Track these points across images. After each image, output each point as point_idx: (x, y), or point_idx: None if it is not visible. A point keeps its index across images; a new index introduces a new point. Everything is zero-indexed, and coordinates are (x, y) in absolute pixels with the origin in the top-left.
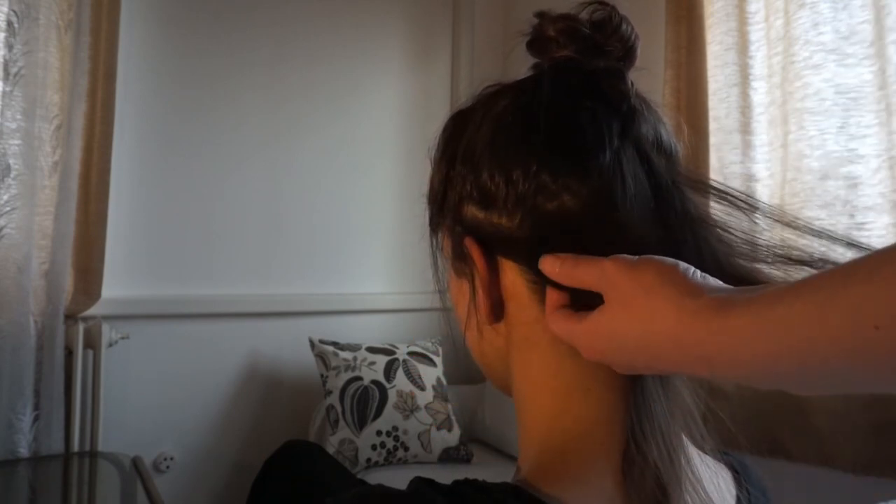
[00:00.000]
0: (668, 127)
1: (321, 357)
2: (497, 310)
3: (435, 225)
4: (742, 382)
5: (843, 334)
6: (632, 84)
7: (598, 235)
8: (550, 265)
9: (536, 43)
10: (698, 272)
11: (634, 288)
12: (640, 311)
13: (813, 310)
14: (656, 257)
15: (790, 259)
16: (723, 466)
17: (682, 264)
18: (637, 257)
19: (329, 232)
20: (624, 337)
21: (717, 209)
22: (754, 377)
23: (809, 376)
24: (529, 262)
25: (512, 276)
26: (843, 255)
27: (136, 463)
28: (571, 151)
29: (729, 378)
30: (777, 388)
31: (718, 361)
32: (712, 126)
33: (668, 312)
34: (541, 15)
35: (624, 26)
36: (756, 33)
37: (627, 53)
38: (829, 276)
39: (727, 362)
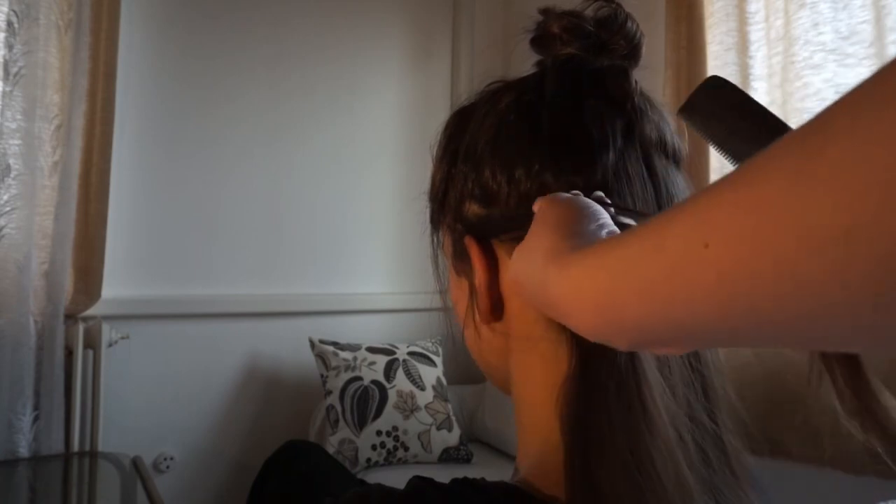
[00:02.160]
0: (672, 127)
1: (321, 357)
2: (497, 309)
3: (436, 222)
4: (596, 336)
5: (677, 261)
6: (636, 82)
7: None
8: (538, 204)
9: (540, 40)
10: (602, 220)
11: (538, 224)
12: (529, 247)
13: (649, 242)
14: (578, 199)
15: None
16: None
17: (594, 212)
18: (570, 194)
19: (329, 232)
20: (519, 271)
21: None
22: (608, 330)
23: (654, 317)
24: None
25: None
26: None
27: (136, 463)
28: (574, 150)
29: (582, 330)
30: (630, 341)
31: (564, 309)
32: None
33: (541, 253)
34: (545, 11)
35: (629, 24)
36: (756, 33)
37: (632, 51)
38: (671, 209)
39: (572, 310)
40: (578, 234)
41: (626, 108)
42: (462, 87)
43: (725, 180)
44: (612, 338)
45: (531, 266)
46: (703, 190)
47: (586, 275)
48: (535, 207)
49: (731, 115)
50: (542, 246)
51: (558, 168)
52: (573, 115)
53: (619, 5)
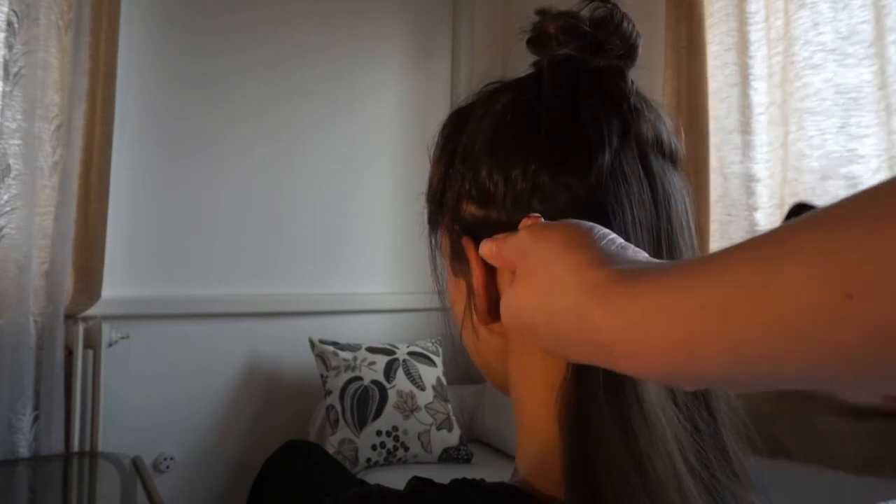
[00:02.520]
0: (669, 126)
1: (321, 357)
2: (494, 309)
3: (434, 223)
4: (659, 381)
5: (795, 310)
6: (632, 83)
7: None
8: (487, 248)
9: (537, 40)
10: (619, 240)
11: (539, 256)
12: (542, 283)
13: (749, 279)
14: (574, 221)
15: None
16: None
17: (599, 229)
18: (555, 222)
19: (329, 232)
20: (531, 314)
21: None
22: (672, 375)
23: (747, 373)
24: None
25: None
26: None
27: (136, 463)
28: (571, 151)
29: (641, 375)
30: (702, 387)
31: (620, 352)
32: (712, 126)
33: (566, 286)
34: (541, 12)
35: (625, 24)
36: (756, 33)
37: (628, 51)
38: (774, 235)
39: (630, 354)
40: (608, 258)
41: (622, 109)
42: (462, 87)
43: (863, 208)
44: (679, 384)
45: (555, 303)
46: (823, 216)
47: (654, 316)
48: (518, 248)
49: None
50: (564, 278)
51: (555, 168)
52: (570, 116)
53: (615, 5)
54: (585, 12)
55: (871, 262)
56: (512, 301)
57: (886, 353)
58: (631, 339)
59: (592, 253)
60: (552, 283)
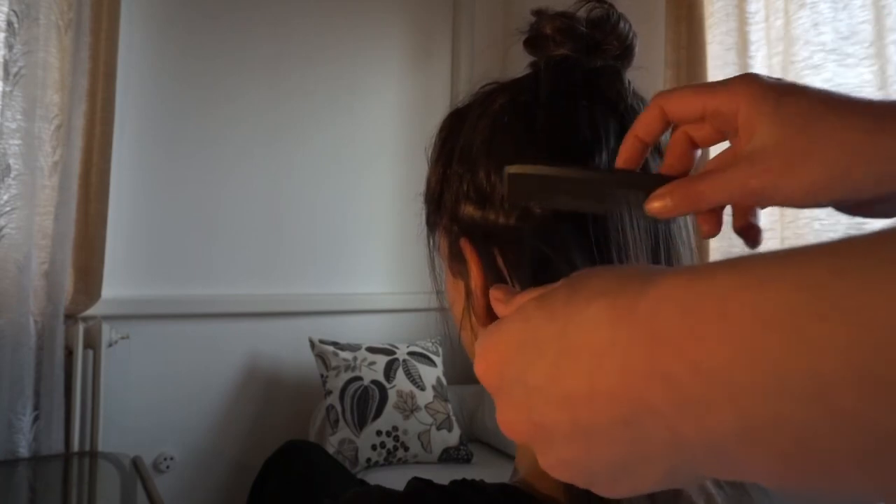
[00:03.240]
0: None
1: (321, 357)
2: (492, 310)
3: (432, 224)
4: (706, 404)
5: None
6: (629, 83)
7: (592, 236)
8: (501, 293)
9: (534, 41)
10: None
11: (571, 282)
12: (571, 302)
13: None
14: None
15: None
16: None
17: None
18: None
19: (329, 232)
20: (536, 339)
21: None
22: (736, 394)
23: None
24: (523, 259)
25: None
26: None
27: (136, 463)
28: (568, 151)
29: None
30: (764, 435)
31: (668, 349)
32: None
33: (605, 289)
34: (538, 13)
35: (622, 24)
36: (756, 33)
37: (625, 52)
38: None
39: (685, 347)
40: (643, 268)
41: (618, 109)
42: (462, 87)
43: None
44: (734, 423)
45: (578, 318)
46: None
47: (739, 289)
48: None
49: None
50: (605, 285)
51: None
52: (566, 116)
53: (611, 6)
54: (582, 13)
55: None
56: (511, 331)
57: None
58: (686, 327)
59: (646, 267)
60: (589, 296)
